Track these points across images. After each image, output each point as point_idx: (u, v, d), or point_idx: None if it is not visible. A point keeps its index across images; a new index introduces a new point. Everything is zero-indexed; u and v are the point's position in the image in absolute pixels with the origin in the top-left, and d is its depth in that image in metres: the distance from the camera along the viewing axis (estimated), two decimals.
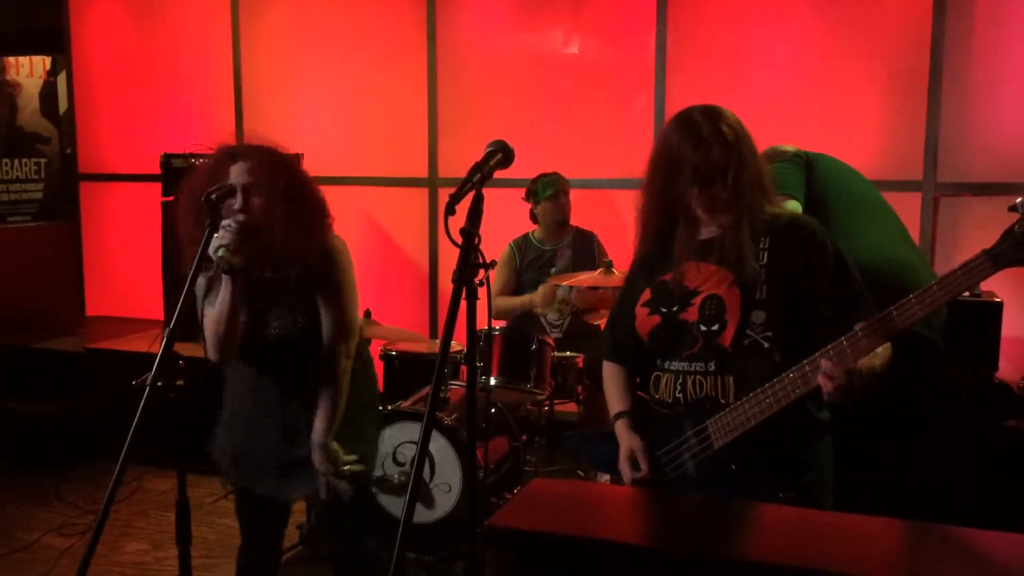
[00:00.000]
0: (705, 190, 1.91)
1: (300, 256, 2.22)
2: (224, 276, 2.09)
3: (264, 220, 2.14)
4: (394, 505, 3.42)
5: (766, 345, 1.89)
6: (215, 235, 2.05)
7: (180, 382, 1.92)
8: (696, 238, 2.00)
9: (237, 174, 2.16)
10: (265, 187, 2.15)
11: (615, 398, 2.15)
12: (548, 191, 4.22)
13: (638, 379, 2.15)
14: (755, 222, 1.94)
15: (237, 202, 2.14)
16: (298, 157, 4.55)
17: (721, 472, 1.90)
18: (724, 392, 1.92)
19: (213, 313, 2.17)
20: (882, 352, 1.85)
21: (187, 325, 1.92)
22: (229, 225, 2.07)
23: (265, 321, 2.29)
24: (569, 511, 1.39)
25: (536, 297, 4.16)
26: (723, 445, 1.89)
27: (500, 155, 1.73)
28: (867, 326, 1.74)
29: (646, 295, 2.05)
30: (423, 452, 1.47)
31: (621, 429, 2.08)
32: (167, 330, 1.91)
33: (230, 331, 2.18)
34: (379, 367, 4.02)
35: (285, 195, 2.17)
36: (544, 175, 4.25)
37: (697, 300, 1.95)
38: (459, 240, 1.57)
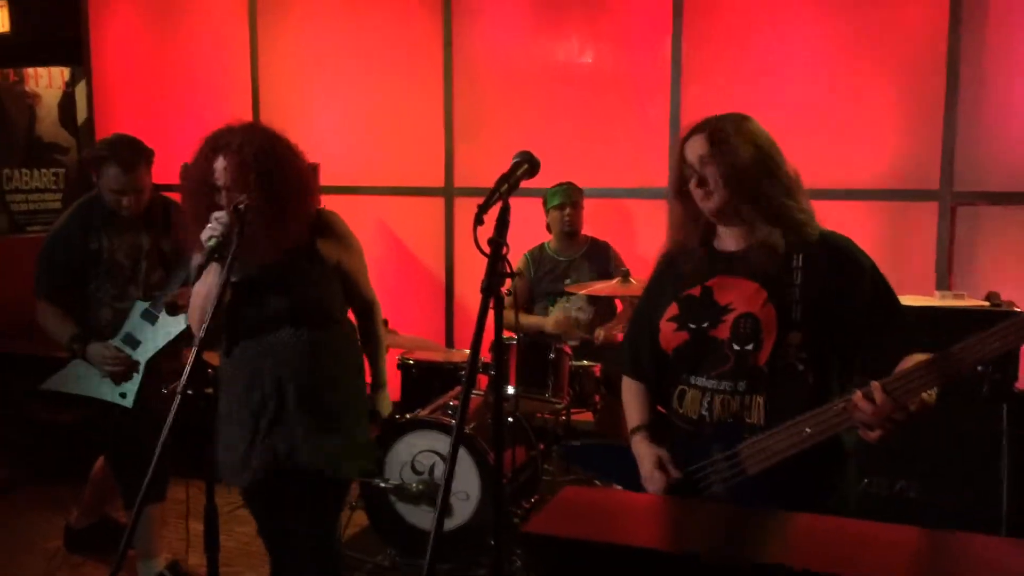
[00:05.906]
0: (713, 197, 1.89)
1: (282, 237, 2.37)
2: (214, 263, 2.23)
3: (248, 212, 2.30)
4: (412, 514, 3.43)
5: (800, 367, 1.85)
6: (208, 226, 2.22)
7: (209, 390, 1.95)
8: (724, 250, 1.97)
9: (219, 173, 2.34)
10: (241, 184, 2.30)
11: (634, 413, 2.10)
12: (554, 200, 4.22)
13: (658, 394, 2.10)
14: (786, 237, 1.89)
15: (222, 200, 2.31)
16: (314, 167, 4.56)
17: (754, 497, 1.83)
18: (752, 412, 1.87)
19: (203, 290, 2.32)
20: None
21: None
22: (219, 217, 2.23)
23: (264, 301, 2.40)
24: (604, 518, 1.40)
25: (548, 324, 4.14)
26: (757, 472, 1.83)
27: (526, 166, 1.76)
28: (927, 364, 1.64)
29: (672, 310, 1.99)
30: (451, 468, 1.46)
31: (639, 442, 2.03)
32: (197, 339, 1.94)
33: (215, 311, 2.30)
34: (397, 376, 4.06)
35: (259, 186, 2.31)
36: (557, 185, 4.25)
37: (729, 318, 1.90)
38: (487, 250, 1.59)
